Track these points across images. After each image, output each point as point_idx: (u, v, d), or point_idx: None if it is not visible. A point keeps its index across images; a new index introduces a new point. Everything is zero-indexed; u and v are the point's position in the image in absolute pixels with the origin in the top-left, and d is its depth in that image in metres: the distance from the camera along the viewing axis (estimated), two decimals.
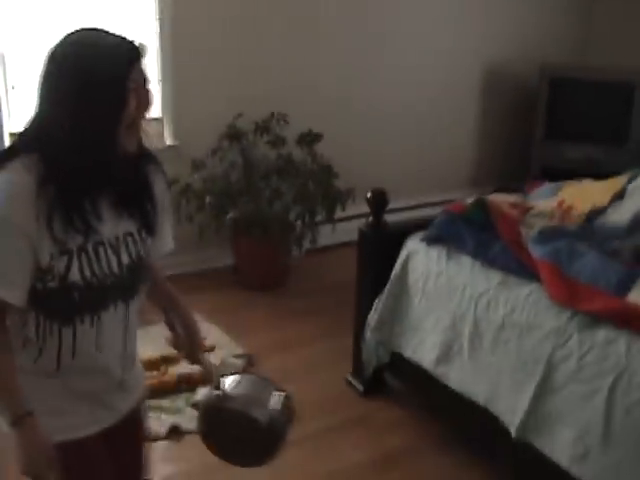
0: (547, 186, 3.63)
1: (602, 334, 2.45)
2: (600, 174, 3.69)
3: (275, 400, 1.79)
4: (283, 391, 1.84)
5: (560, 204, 3.38)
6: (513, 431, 2.65)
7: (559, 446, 2.51)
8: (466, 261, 2.99)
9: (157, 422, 3.17)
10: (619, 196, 3.36)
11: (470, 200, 3.24)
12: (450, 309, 2.96)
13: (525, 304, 2.69)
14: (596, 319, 2.50)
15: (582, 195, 3.41)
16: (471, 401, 2.87)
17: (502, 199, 3.37)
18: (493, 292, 2.81)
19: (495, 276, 2.86)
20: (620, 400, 2.35)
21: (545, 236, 2.98)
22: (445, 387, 2.99)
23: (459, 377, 2.93)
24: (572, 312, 2.55)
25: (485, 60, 5.69)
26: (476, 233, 3.05)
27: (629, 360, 2.35)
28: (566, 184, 3.60)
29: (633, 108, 5.14)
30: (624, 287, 2.62)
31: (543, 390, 2.57)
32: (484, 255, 2.95)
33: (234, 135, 4.46)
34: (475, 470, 2.97)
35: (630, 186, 3.40)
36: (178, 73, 4.47)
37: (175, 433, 3.18)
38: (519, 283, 2.79)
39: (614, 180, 3.54)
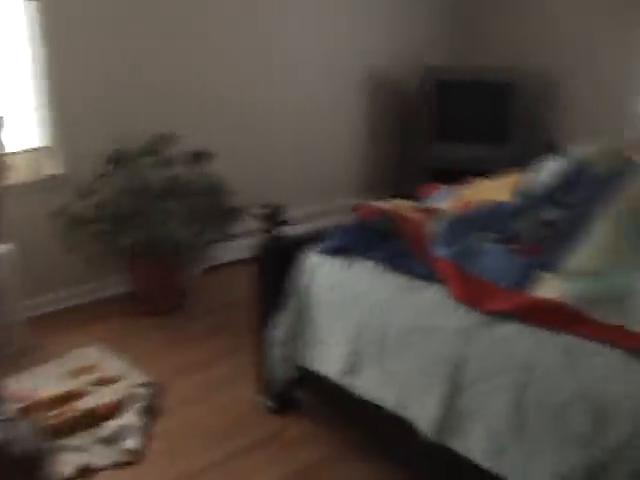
0: (445, 189, 3.68)
1: (507, 330, 2.49)
2: (486, 173, 3.77)
3: (27, 434, 2.24)
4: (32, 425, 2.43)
5: (460, 202, 3.41)
6: (427, 434, 2.66)
7: (473, 444, 2.54)
8: (368, 268, 3.00)
9: (63, 463, 3.03)
10: (520, 193, 3.41)
11: (379, 202, 3.27)
12: (354, 318, 2.96)
13: (429, 306, 2.71)
14: (500, 316, 2.54)
15: (483, 193, 3.46)
16: (382, 408, 2.87)
17: (407, 205, 3.39)
18: (397, 297, 2.82)
19: (398, 281, 2.87)
20: (528, 395, 2.39)
21: (449, 232, 3.01)
22: (356, 396, 2.98)
23: (368, 385, 2.93)
24: (476, 311, 2.59)
25: (369, 67, 5.76)
26: (382, 240, 3.06)
27: (533, 354, 2.40)
28: (464, 186, 3.65)
29: (512, 106, 5.29)
30: (526, 281, 2.68)
31: (452, 391, 2.59)
32: (390, 261, 2.96)
33: (121, 158, 4.36)
34: (392, 475, 2.99)
35: (528, 181, 3.48)
36: (62, 100, 4.34)
37: (85, 472, 3.05)
38: (423, 286, 2.80)
39: (508, 177, 3.61)
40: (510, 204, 3.27)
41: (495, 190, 3.42)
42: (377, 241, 3.06)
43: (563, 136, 5.17)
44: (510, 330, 2.49)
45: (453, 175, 3.98)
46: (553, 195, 3.25)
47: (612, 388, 2.28)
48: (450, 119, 5.46)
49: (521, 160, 3.97)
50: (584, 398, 2.29)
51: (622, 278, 2.72)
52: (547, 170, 3.45)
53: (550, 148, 4.02)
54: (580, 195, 3.18)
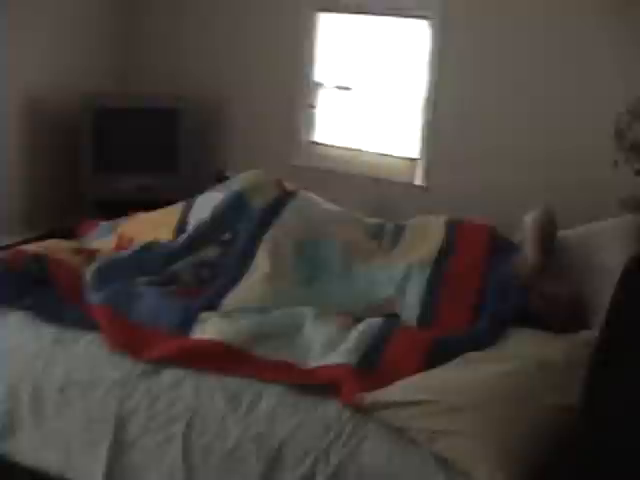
0: (104, 225, 3.47)
1: (168, 378, 2.36)
2: (156, 203, 3.64)
3: None
4: None
5: (121, 239, 3.24)
6: None
7: None
8: (16, 321, 2.70)
9: None
10: (181, 229, 3.30)
11: (31, 245, 3.01)
12: (3, 377, 2.63)
13: (84, 358, 2.50)
14: (163, 363, 2.40)
15: (143, 229, 3.30)
16: (46, 473, 2.57)
17: (63, 246, 3.14)
18: (48, 351, 2.56)
19: (49, 333, 2.62)
20: (196, 442, 2.28)
21: (102, 276, 2.81)
22: (15, 464, 2.65)
23: (27, 450, 2.61)
24: (136, 359, 2.42)
25: (28, 96, 5.36)
26: (33, 287, 2.79)
27: (198, 400, 2.30)
28: (124, 220, 3.48)
29: (180, 134, 5.18)
30: (187, 324, 2.56)
31: (118, 447, 2.40)
32: (41, 310, 2.70)
33: None
34: None
35: (190, 215, 3.37)
36: None
37: None
38: (78, 336, 2.58)
39: (170, 210, 3.48)
40: (168, 245, 3.13)
41: (155, 225, 3.28)
42: (27, 288, 2.78)
43: (232, 164, 5.14)
44: (173, 377, 2.36)
45: (121, 207, 3.78)
46: (212, 233, 3.16)
47: (280, 427, 2.23)
48: (115, 148, 5.19)
49: (192, 188, 3.88)
50: (253, 441, 2.23)
51: (288, 312, 2.69)
52: (206, 206, 3.34)
53: (218, 177, 3.96)
54: (239, 230, 3.11)
